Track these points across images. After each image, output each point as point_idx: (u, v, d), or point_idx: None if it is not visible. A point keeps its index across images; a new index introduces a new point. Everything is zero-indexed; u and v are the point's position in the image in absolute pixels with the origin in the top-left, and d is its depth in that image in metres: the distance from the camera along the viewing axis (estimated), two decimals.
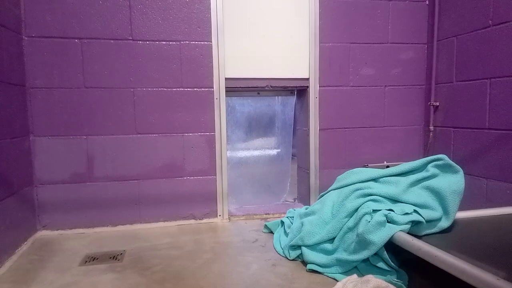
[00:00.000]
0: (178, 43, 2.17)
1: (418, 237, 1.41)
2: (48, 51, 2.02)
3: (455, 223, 1.55)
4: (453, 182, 1.55)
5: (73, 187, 2.10)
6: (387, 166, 2.35)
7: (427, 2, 2.51)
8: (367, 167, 2.37)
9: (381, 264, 1.44)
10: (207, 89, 2.23)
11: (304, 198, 2.57)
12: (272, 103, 2.74)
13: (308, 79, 2.39)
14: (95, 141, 2.11)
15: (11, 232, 1.76)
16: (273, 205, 2.61)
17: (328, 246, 1.60)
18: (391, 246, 1.43)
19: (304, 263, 1.62)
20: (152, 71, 2.15)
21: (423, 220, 1.46)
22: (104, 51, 2.08)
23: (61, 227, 2.10)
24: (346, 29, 2.40)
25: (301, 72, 2.38)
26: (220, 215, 2.31)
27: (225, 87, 2.26)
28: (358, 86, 2.47)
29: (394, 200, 1.60)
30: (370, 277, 1.30)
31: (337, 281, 1.40)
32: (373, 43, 2.45)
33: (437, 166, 1.65)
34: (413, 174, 1.70)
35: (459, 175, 1.58)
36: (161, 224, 2.22)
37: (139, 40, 2.12)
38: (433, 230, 1.48)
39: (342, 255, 1.52)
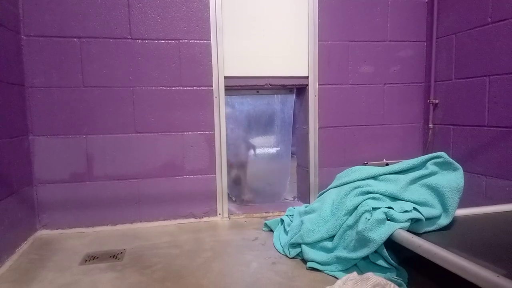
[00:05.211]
0: (177, 41, 2.17)
1: (418, 234, 1.42)
2: (47, 50, 2.01)
3: (454, 220, 1.55)
4: (452, 180, 1.56)
5: (72, 186, 2.10)
6: (387, 164, 2.35)
7: (426, 0, 2.51)
8: (366, 165, 2.37)
9: (381, 262, 1.44)
10: (206, 87, 2.23)
11: (303, 196, 2.58)
12: (272, 102, 2.74)
13: (307, 77, 2.39)
14: (94, 140, 2.11)
15: (11, 231, 1.76)
16: (273, 203, 2.61)
17: (328, 244, 1.60)
18: (391, 243, 1.44)
19: (304, 261, 1.62)
20: (151, 70, 2.15)
21: (423, 218, 1.46)
22: (103, 50, 2.08)
23: (61, 226, 2.10)
24: (345, 27, 2.40)
25: (300, 71, 2.38)
26: (220, 214, 2.31)
27: (224, 86, 2.26)
28: (357, 84, 2.47)
29: (394, 198, 1.61)
30: (370, 274, 1.31)
31: (337, 278, 1.41)
32: (372, 41, 2.45)
33: (436, 164, 1.65)
34: (412, 172, 1.70)
35: (459, 173, 1.59)
36: (161, 223, 2.22)
37: (138, 39, 2.12)
38: (432, 228, 1.49)
39: (342, 253, 1.53)
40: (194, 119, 2.23)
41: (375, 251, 1.45)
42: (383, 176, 1.72)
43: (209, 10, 2.18)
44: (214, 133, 2.26)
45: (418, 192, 1.59)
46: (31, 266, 1.65)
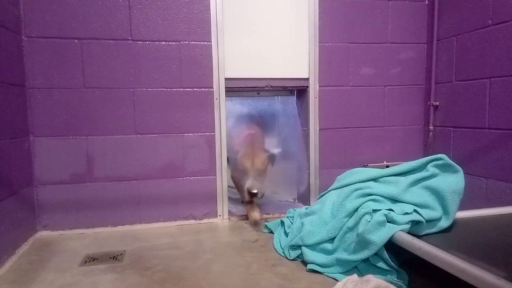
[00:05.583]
0: (177, 43, 2.17)
1: (418, 236, 1.41)
2: (47, 52, 2.02)
3: (455, 222, 1.55)
4: (453, 182, 1.56)
5: (73, 187, 2.10)
6: (387, 166, 2.35)
7: (426, 2, 2.51)
8: (367, 167, 2.37)
9: (381, 264, 1.44)
10: (207, 89, 2.23)
11: (304, 198, 2.57)
12: (272, 103, 2.74)
13: (307, 79, 2.39)
14: (95, 142, 2.11)
15: (11, 232, 1.76)
16: (273, 205, 2.61)
17: (328, 246, 1.60)
18: (391, 246, 1.43)
19: (304, 263, 1.62)
20: (151, 71, 2.15)
21: (423, 220, 1.46)
22: (103, 51, 2.08)
23: (61, 228, 2.10)
24: (345, 29, 2.40)
25: (300, 72, 2.38)
26: (220, 215, 2.31)
27: (225, 87, 2.26)
28: (358, 86, 2.47)
29: (394, 200, 1.60)
30: (370, 277, 1.30)
31: (337, 281, 1.40)
32: (373, 43, 2.45)
33: (437, 166, 1.65)
34: (413, 174, 1.70)
35: (459, 175, 1.58)
36: (161, 224, 2.22)
37: (139, 40, 2.12)
38: (433, 230, 1.48)
39: (342, 255, 1.52)
40: (195, 121, 2.23)
41: (376, 253, 1.45)
42: (384, 178, 1.72)
43: (210, 11, 2.19)
44: (214, 134, 2.26)
45: (419, 194, 1.59)
46: (31, 267, 1.65)
